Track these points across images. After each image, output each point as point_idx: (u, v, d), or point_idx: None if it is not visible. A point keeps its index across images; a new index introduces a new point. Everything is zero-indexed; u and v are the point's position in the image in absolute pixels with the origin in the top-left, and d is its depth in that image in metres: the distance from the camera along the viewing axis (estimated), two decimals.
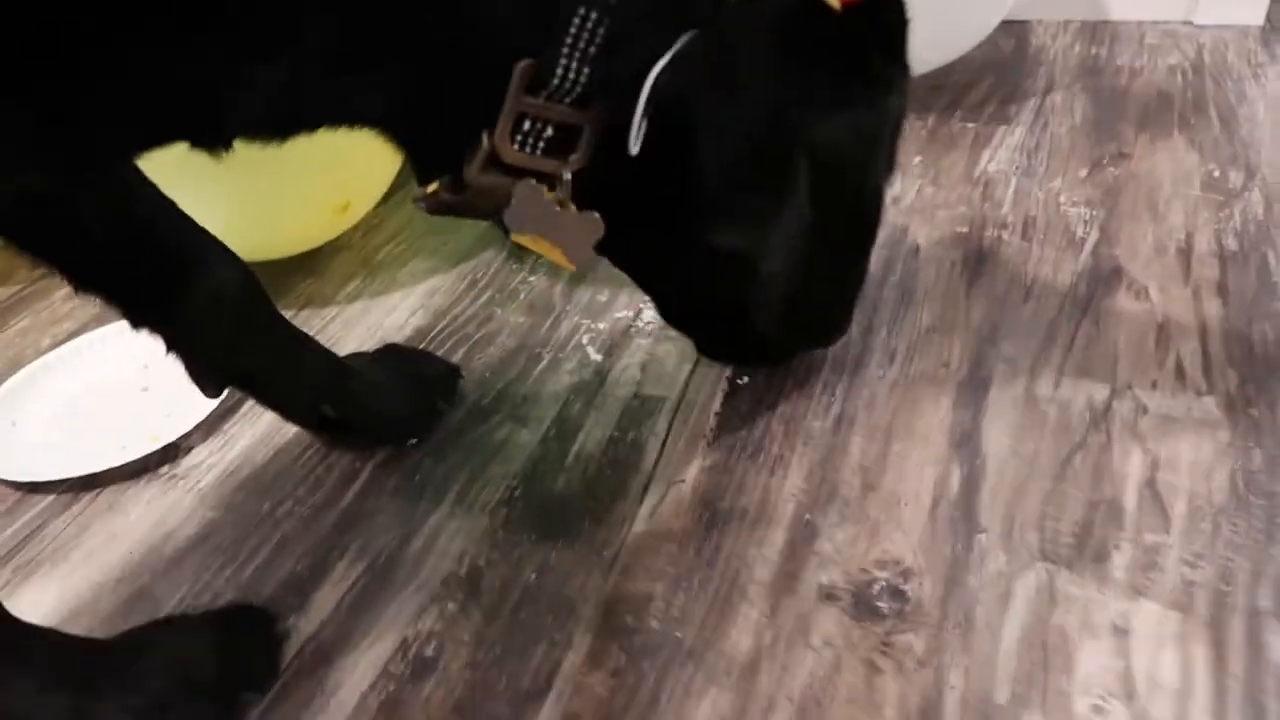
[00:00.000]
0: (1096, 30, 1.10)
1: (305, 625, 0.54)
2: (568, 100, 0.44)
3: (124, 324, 0.57)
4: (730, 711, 0.47)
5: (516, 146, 0.44)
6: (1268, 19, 1.06)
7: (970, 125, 0.95)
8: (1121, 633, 0.48)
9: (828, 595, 0.52)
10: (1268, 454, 0.56)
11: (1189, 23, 1.08)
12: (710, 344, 0.67)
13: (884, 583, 0.52)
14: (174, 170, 0.54)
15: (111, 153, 0.44)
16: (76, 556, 0.60)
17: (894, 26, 0.50)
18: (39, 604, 0.57)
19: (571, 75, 0.43)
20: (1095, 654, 0.47)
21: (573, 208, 0.47)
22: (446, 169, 0.47)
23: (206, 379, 0.58)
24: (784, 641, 0.50)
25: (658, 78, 0.44)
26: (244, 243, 0.61)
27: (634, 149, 0.45)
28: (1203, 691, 0.45)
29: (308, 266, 0.87)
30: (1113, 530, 0.53)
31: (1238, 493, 0.54)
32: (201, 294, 0.55)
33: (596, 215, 0.47)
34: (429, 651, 0.52)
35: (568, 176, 0.45)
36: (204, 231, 0.55)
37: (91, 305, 0.57)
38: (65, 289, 0.53)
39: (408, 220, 0.93)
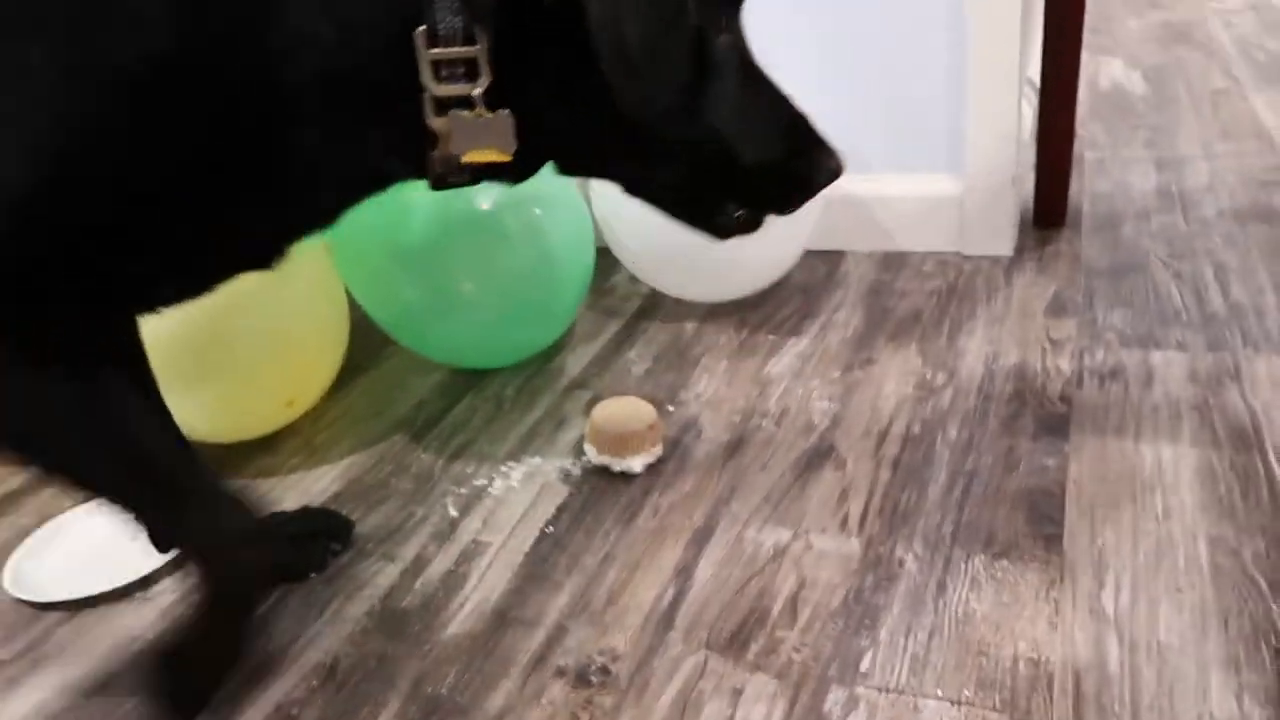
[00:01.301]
0: (891, 259, 1.43)
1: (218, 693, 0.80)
2: (459, 42, 0.62)
3: None
4: None
5: (441, 83, 0.63)
6: (1016, 250, 1.38)
7: (771, 337, 1.26)
8: (737, 693, 0.73)
9: (560, 672, 0.78)
10: (877, 578, 0.83)
11: (959, 253, 1.40)
12: (676, 204, 0.76)
13: (598, 664, 0.78)
14: (162, 375, 0.85)
15: (213, 281, 0.72)
16: (72, 652, 0.87)
17: None
18: (48, 679, 0.84)
19: (453, 26, 0.64)
20: (716, 705, 0.72)
21: (488, 114, 0.64)
22: (424, 143, 0.66)
23: (161, 541, 0.87)
24: (524, 702, 0.75)
25: None
26: (213, 428, 0.91)
27: None
28: None
29: (267, 446, 1.17)
30: (757, 629, 0.79)
31: (848, 604, 0.80)
32: (158, 495, 0.84)
33: (506, 111, 0.65)
34: (294, 711, 0.77)
35: (478, 93, 0.63)
36: (175, 448, 0.84)
37: None
38: None
39: (343, 413, 1.23)
